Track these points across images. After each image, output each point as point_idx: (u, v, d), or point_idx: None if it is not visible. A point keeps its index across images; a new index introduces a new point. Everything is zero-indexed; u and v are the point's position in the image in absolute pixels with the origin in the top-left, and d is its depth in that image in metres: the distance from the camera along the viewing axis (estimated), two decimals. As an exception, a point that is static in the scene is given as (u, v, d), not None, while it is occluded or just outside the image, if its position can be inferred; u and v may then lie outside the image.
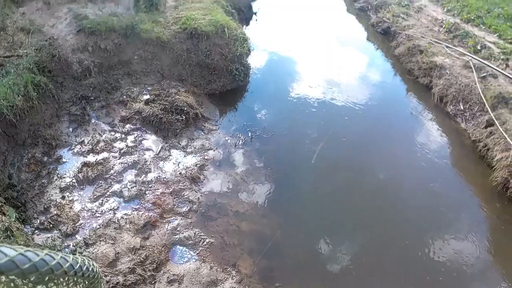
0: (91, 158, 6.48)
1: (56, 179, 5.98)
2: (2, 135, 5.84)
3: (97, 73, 8.16)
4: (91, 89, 7.81)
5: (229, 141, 7.66)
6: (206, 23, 9.59)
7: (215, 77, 9.17)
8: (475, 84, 11.35)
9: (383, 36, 16.71)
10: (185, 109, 7.92)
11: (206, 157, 7.10)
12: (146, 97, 8.12)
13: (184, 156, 7.06)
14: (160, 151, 7.03)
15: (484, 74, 11.74)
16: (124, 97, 7.99)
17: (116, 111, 7.63)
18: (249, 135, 7.89)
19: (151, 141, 7.21)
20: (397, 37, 15.66)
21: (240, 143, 7.63)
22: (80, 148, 6.62)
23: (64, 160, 6.39)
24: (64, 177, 6.04)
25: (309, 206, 6.56)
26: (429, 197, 7.32)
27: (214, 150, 7.31)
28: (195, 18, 9.79)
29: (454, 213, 7.03)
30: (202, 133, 7.75)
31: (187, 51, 9.18)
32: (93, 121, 7.26)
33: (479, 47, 13.37)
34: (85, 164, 6.30)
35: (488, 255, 6.12)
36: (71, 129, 6.95)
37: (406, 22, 16.55)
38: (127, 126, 7.39)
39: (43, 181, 5.91)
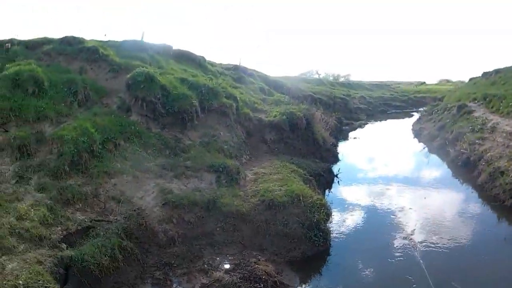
0: (170, 321, 6.24)
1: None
2: (87, 287, 5.96)
3: (180, 242, 8.42)
4: (175, 257, 7.96)
5: (310, 308, 7.15)
6: (282, 194, 10.04)
7: (294, 244, 9.04)
8: None
9: (465, 168, 16.71)
10: (264, 277, 7.73)
11: (288, 325, 6.57)
12: (226, 266, 8.10)
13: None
14: (239, 319, 6.64)
15: None
16: (206, 265, 8.00)
17: (197, 278, 7.58)
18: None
19: (230, 308, 6.91)
20: (477, 166, 15.62)
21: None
22: (161, 310, 6.45)
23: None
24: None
25: None
26: None
27: (296, 318, 6.80)
28: (272, 190, 10.31)
29: None
30: (282, 301, 7.34)
31: (265, 222, 9.39)
32: (174, 286, 7.24)
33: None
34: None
35: None
36: (153, 292, 6.90)
37: (482, 147, 16.60)
38: (207, 293, 7.22)
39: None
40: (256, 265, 8.14)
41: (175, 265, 7.77)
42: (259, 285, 7.56)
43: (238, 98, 15.02)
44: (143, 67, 13.49)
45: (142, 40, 17.17)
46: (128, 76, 12.85)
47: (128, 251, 7.17)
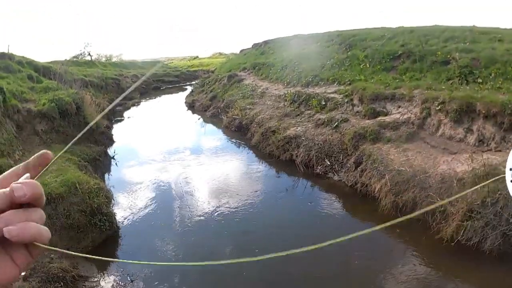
0: None
1: None
2: None
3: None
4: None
5: (111, 291, 8.37)
6: (58, 185, 10.27)
7: (82, 234, 9.83)
8: (331, 136, 12.73)
9: (238, 132, 18.42)
10: (61, 275, 8.49)
11: (95, 316, 7.88)
12: (22, 273, 8.57)
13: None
14: (50, 322, 7.60)
15: (336, 124, 13.12)
16: (1, 279, 8.34)
17: (-3, 295, 7.96)
18: (128, 279, 8.70)
19: (39, 316, 7.70)
20: (250, 129, 17.37)
21: (120, 291, 8.36)
22: None
23: None
24: None
25: None
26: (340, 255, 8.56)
27: (100, 307, 8.08)
28: (48, 183, 10.31)
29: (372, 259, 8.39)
30: (85, 292, 8.49)
31: (49, 218, 9.78)
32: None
33: (323, 102, 15.04)
34: None
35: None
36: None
37: (253, 111, 18.37)
38: (12, 307, 7.79)
39: None
40: (51, 265, 8.84)
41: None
42: (59, 284, 8.35)
43: (5, 89, 13.66)
44: None
45: None
46: None
47: None
